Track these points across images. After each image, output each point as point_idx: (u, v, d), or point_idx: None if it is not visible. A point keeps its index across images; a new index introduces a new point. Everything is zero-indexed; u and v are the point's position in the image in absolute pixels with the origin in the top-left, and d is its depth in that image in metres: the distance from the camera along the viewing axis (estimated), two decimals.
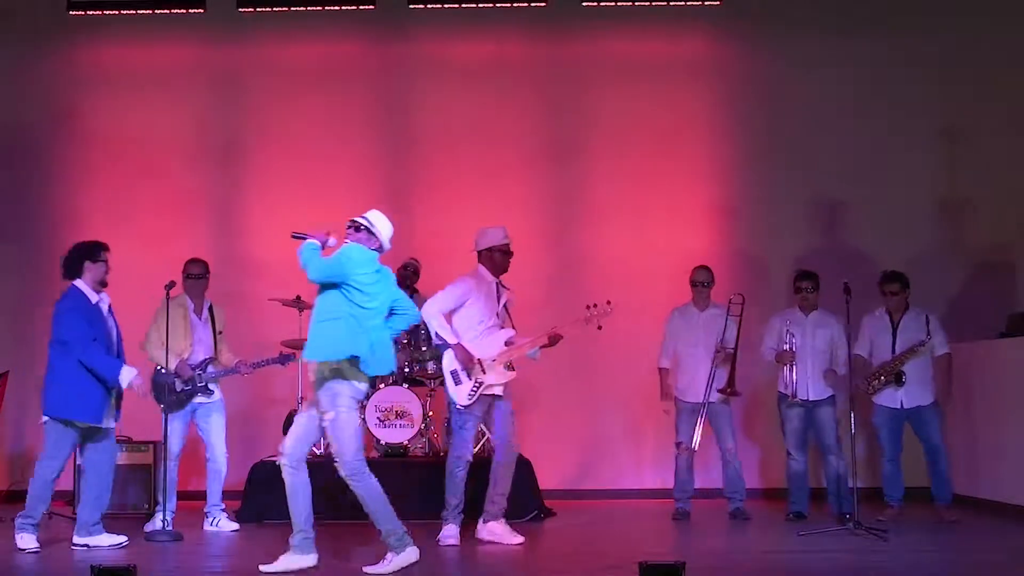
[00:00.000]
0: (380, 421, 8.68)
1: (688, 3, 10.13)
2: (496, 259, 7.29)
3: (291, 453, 6.25)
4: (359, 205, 10.07)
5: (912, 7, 10.08)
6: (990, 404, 8.48)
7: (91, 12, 10.16)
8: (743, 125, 10.14)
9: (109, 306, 7.21)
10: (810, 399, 8.11)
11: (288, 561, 6.12)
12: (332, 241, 6.33)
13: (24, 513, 7.06)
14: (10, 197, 10.12)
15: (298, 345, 8.85)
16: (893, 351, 8.01)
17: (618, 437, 9.93)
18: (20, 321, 9.98)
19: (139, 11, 10.15)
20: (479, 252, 7.35)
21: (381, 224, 6.44)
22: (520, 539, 7.11)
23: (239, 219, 10.25)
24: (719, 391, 8.16)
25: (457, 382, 7.14)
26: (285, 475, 6.24)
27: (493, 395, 7.18)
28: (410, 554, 6.11)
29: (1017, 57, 9.75)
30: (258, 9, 10.18)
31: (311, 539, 6.21)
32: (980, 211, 9.83)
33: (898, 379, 7.95)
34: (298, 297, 8.95)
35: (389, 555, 6.14)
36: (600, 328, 7.29)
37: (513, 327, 7.33)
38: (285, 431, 9.05)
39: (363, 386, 6.24)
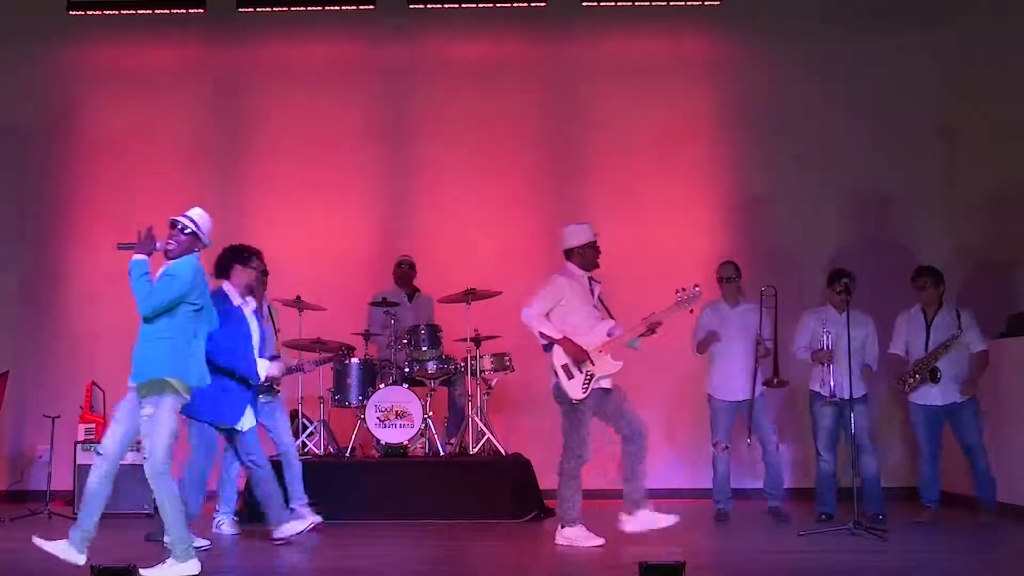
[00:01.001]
0: (380, 421, 8.68)
1: (688, 3, 10.12)
2: (587, 255, 7.27)
3: (114, 452, 6.11)
4: (359, 204, 10.20)
5: (912, 7, 10.08)
6: (990, 404, 8.46)
7: (91, 12, 10.14)
8: (743, 125, 10.13)
9: (255, 310, 7.20)
10: (847, 398, 8.07)
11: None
12: (160, 246, 6.19)
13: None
14: (10, 197, 10.12)
15: (298, 345, 8.89)
16: (927, 348, 7.97)
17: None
18: (20, 321, 9.97)
19: (139, 11, 10.13)
20: (567, 250, 7.31)
21: (204, 223, 6.33)
22: (673, 519, 7.05)
23: (239, 219, 10.22)
24: (765, 383, 8.07)
25: (569, 376, 7.09)
26: (103, 473, 6.08)
27: (603, 389, 7.12)
28: (191, 567, 5.94)
29: (1017, 57, 9.74)
30: (258, 9, 10.17)
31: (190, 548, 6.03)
32: (980, 211, 9.82)
33: (933, 375, 7.90)
34: (298, 297, 8.96)
35: (170, 560, 5.96)
36: (692, 312, 7.35)
37: (612, 318, 7.23)
38: None
39: (187, 395, 6.16)
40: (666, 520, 7.06)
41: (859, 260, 9.48)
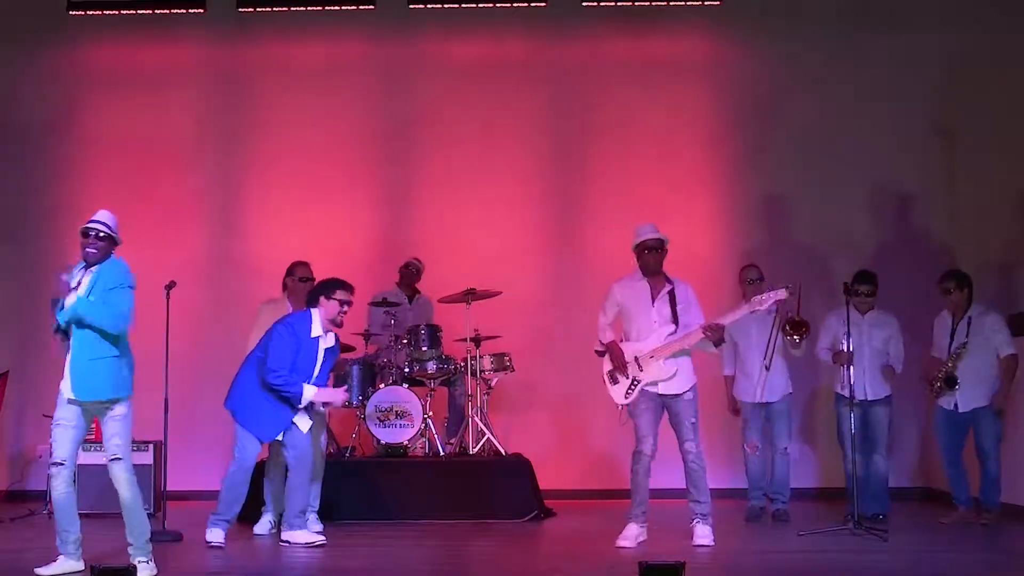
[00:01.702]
0: (380, 421, 8.68)
1: (688, 3, 10.13)
2: (639, 258, 7.24)
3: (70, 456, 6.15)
4: (359, 205, 10.20)
5: (912, 7, 10.08)
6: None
7: (91, 12, 10.15)
8: (743, 125, 10.14)
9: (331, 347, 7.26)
10: (868, 399, 8.05)
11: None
12: (67, 277, 6.16)
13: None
14: (10, 197, 10.12)
15: None
16: (949, 353, 7.98)
17: (619, 437, 9.90)
18: (20, 321, 9.97)
19: (139, 11, 10.14)
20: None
21: (114, 223, 6.35)
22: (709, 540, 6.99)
23: (239, 219, 10.26)
24: (789, 327, 7.93)
25: (613, 382, 7.17)
26: (67, 480, 6.11)
27: (666, 394, 7.08)
28: (77, 564, 6.06)
29: (1017, 57, 9.74)
30: (258, 9, 10.18)
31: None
32: (980, 211, 9.82)
33: (950, 383, 7.88)
34: None
35: (60, 558, 6.08)
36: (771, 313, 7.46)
37: (675, 323, 7.12)
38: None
39: None
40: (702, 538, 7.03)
41: (859, 260, 9.49)
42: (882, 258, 9.65)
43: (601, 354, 7.30)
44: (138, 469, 8.42)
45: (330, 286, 7.24)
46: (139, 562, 5.93)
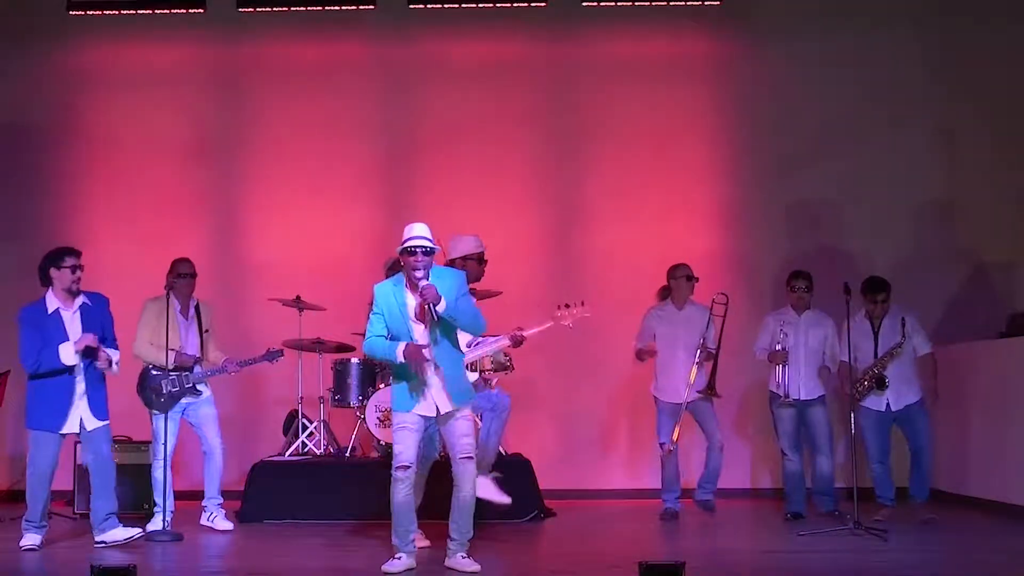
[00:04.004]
0: (380, 421, 8.67)
1: (688, 3, 10.13)
2: (471, 267, 7.32)
3: None
4: (359, 205, 10.19)
5: (912, 7, 10.08)
6: (990, 404, 8.48)
7: (91, 12, 10.14)
8: (743, 125, 10.13)
9: (79, 310, 7.14)
10: (801, 398, 8.11)
11: None
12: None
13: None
14: (10, 197, 10.12)
15: (298, 345, 8.89)
16: (875, 356, 8.00)
17: (618, 437, 9.93)
18: None
19: (139, 11, 10.13)
20: (451, 260, 7.35)
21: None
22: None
23: (239, 219, 10.25)
24: (699, 392, 8.10)
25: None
26: None
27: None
28: (411, 562, 6.24)
29: (1016, 57, 9.75)
30: (258, 9, 10.17)
31: None
32: (980, 211, 9.83)
33: (880, 383, 7.94)
34: (298, 297, 8.96)
35: (403, 556, 6.26)
36: (570, 327, 7.24)
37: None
38: (285, 431, 9.13)
39: None
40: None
41: (859, 260, 9.51)
42: (882, 257, 9.65)
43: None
44: (138, 469, 8.56)
45: (57, 256, 7.15)
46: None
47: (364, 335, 8.98)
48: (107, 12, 10.16)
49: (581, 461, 9.88)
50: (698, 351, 8.12)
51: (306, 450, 8.79)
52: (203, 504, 8.00)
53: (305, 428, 8.89)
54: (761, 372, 8.65)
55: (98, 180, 10.16)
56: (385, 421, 8.70)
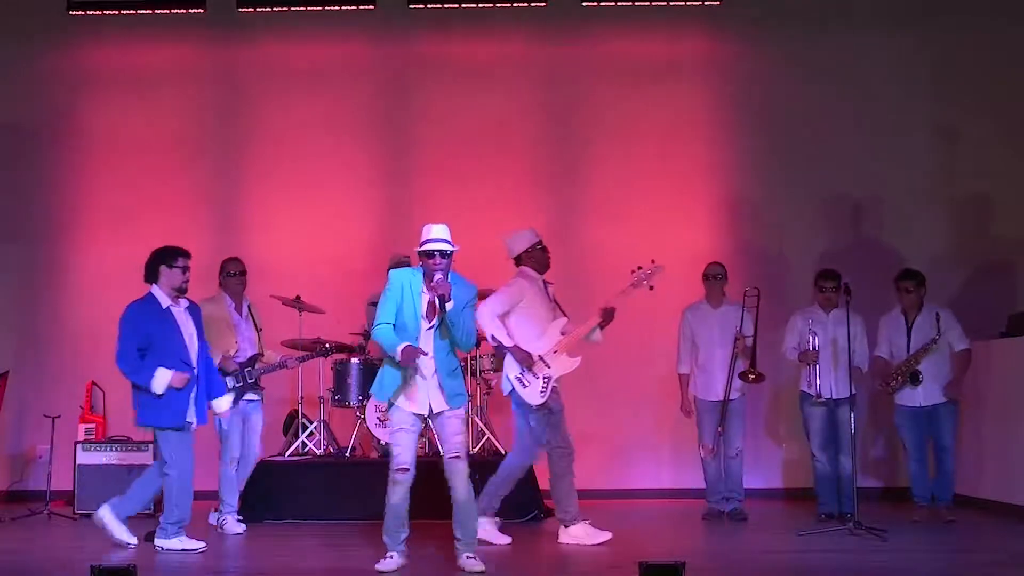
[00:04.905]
0: (380, 421, 8.67)
1: (688, 3, 10.13)
2: (537, 257, 7.32)
3: None
4: (359, 205, 10.19)
5: (911, 7, 10.08)
6: (991, 404, 8.47)
7: (91, 12, 10.15)
8: (743, 125, 10.13)
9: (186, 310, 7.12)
10: (833, 397, 8.07)
11: None
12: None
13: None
14: (10, 197, 10.11)
15: (299, 345, 8.88)
16: (908, 351, 7.99)
17: (619, 437, 9.92)
18: (20, 321, 9.98)
19: (139, 11, 10.14)
20: (516, 257, 7.36)
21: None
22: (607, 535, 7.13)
23: (239, 219, 10.25)
24: (740, 376, 8.05)
25: (524, 384, 7.13)
26: None
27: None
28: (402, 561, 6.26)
29: (1016, 57, 9.75)
30: (258, 9, 10.18)
31: None
32: (980, 211, 9.83)
33: (914, 378, 7.91)
34: (298, 297, 8.95)
35: (394, 555, 6.26)
36: (652, 288, 7.28)
37: (564, 315, 7.28)
38: (285, 431, 9.14)
39: None
40: (601, 536, 7.13)
41: (858, 260, 9.51)
42: (882, 257, 9.65)
43: (501, 351, 7.32)
44: (138, 469, 8.55)
45: (169, 255, 7.10)
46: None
47: (363, 334, 9.06)
48: (107, 12, 10.16)
49: (581, 461, 9.84)
50: (735, 341, 8.08)
51: (306, 450, 8.79)
52: (219, 507, 7.86)
53: (305, 428, 8.89)
54: (789, 372, 8.63)
55: (98, 180, 10.16)
56: (385, 421, 8.70)
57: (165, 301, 7.01)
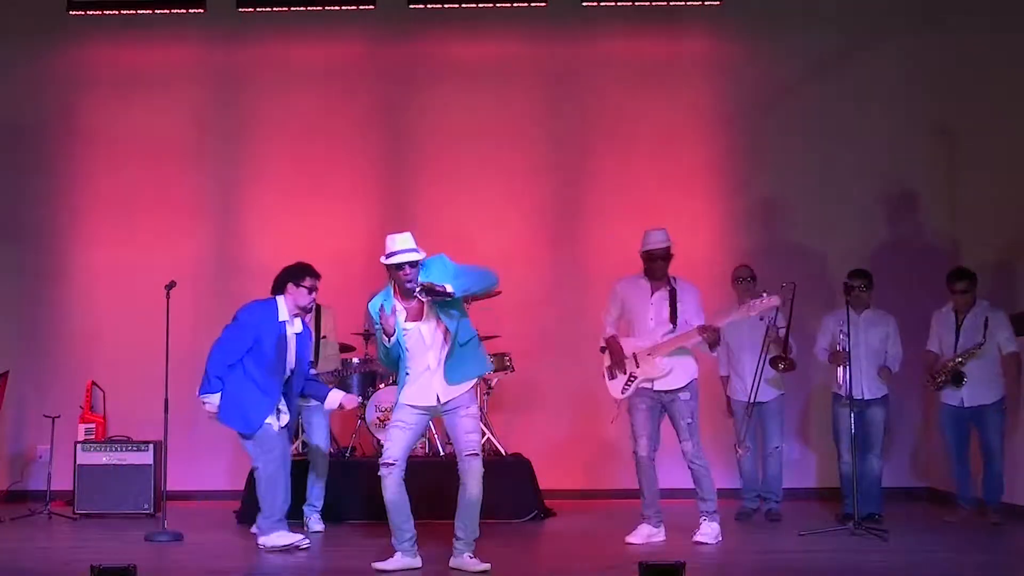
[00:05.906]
0: (380, 421, 8.68)
1: (688, 3, 10.13)
2: (647, 264, 7.34)
3: None
4: (359, 205, 10.19)
5: (911, 7, 10.08)
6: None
7: (91, 12, 10.14)
8: (742, 125, 10.13)
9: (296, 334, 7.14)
10: (864, 398, 8.04)
11: None
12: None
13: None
14: (10, 197, 10.12)
15: None
16: (955, 350, 7.97)
17: (619, 437, 9.90)
18: (20, 321, 9.98)
19: (139, 11, 10.13)
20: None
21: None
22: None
23: (239, 219, 10.25)
24: (770, 362, 7.97)
25: (610, 377, 7.30)
26: None
27: (661, 391, 7.15)
28: (414, 561, 6.28)
29: (1017, 57, 9.73)
30: (258, 9, 10.17)
31: None
32: (980, 211, 9.82)
33: (957, 380, 7.88)
34: None
35: (397, 555, 6.28)
36: (762, 319, 7.58)
37: (672, 322, 7.21)
38: None
39: None
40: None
41: (858, 260, 9.48)
42: (882, 258, 9.65)
43: (603, 350, 7.40)
44: (138, 469, 8.56)
45: (298, 273, 7.17)
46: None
47: (364, 335, 9.05)
48: (107, 12, 10.15)
49: (581, 461, 9.88)
50: (767, 330, 7.99)
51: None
52: (304, 508, 7.90)
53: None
54: (822, 373, 8.66)
55: (98, 180, 10.16)
56: (385, 421, 8.70)
57: (284, 314, 7.08)
